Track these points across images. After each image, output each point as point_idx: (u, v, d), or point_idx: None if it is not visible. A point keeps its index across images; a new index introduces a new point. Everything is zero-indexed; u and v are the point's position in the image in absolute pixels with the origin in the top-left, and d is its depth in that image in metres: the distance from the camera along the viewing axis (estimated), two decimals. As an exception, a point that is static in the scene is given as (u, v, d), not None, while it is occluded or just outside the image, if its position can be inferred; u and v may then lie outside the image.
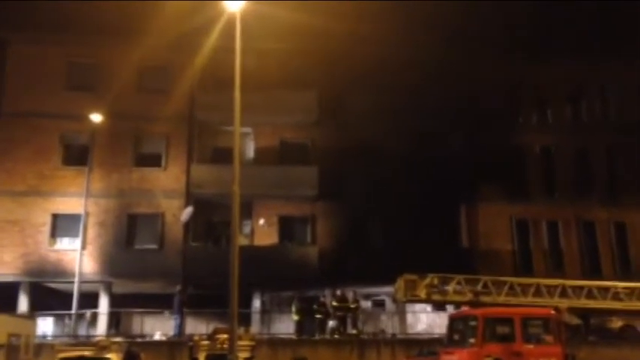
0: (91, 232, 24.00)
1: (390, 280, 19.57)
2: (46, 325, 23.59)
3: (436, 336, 20.17)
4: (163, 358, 18.59)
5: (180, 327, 21.25)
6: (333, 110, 25.69)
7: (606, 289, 17.74)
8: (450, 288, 17.59)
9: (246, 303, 24.11)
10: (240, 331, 15.87)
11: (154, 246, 24.49)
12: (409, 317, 24.75)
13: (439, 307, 22.46)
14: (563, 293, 17.48)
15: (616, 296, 17.62)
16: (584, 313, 19.96)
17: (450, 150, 26.23)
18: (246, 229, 25.34)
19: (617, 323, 21.96)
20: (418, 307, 23.95)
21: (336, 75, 25.79)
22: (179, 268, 23.83)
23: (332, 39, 24.91)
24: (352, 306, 22.00)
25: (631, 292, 17.64)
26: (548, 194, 27.06)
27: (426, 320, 24.64)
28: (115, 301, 24.10)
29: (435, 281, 17.62)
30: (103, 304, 23.84)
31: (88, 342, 17.84)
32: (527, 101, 28.21)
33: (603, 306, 17.77)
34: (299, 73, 25.87)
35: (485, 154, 26.06)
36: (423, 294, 17.70)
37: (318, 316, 21.45)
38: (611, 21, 28.22)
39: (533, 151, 27.62)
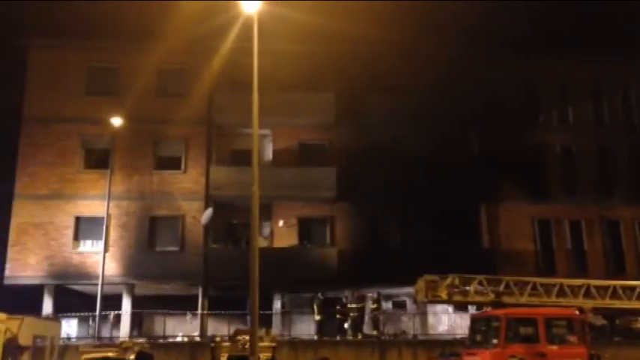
0: (114, 235, 24.22)
1: (410, 281, 19.44)
2: (70, 327, 23.81)
3: (458, 337, 20.03)
4: (185, 359, 18.70)
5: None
6: (350, 111, 25.65)
7: (631, 288, 17.42)
8: (471, 288, 17.39)
9: (266, 304, 24.19)
10: (261, 332, 15.90)
11: (174, 248, 24.65)
12: (430, 318, 24.61)
13: (460, 307, 22.31)
14: (588, 293, 17.21)
15: (641, 296, 17.30)
16: (609, 314, 19.72)
17: (468, 150, 26.06)
18: (266, 231, 25.41)
19: (643, 323, 21.62)
20: (439, 307, 23.80)
21: (353, 76, 25.75)
22: (200, 270, 23.99)
23: (348, 40, 24.88)
24: (373, 306, 21.96)
25: (657, 292, 17.30)
26: (570, 193, 26.73)
27: (447, 321, 24.48)
28: (138, 302, 24.30)
29: (456, 282, 17.44)
30: (126, 305, 24.04)
31: (111, 343, 18.02)
32: (547, 100, 27.91)
33: (628, 306, 17.45)
34: (316, 74, 25.87)
35: (505, 153, 25.85)
36: (444, 295, 17.51)
37: (338, 316, 21.44)
38: (633, 19, 27.84)
39: (554, 150, 27.33)
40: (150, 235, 24.62)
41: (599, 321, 19.35)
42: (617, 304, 17.12)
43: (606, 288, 17.29)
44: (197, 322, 23.56)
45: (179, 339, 21.47)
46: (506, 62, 26.71)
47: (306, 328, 23.14)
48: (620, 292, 17.25)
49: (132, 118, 24.26)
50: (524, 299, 16.97)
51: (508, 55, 26.65)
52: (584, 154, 27.34)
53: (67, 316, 23.25)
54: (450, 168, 24.82)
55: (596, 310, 16.99)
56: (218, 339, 15.44)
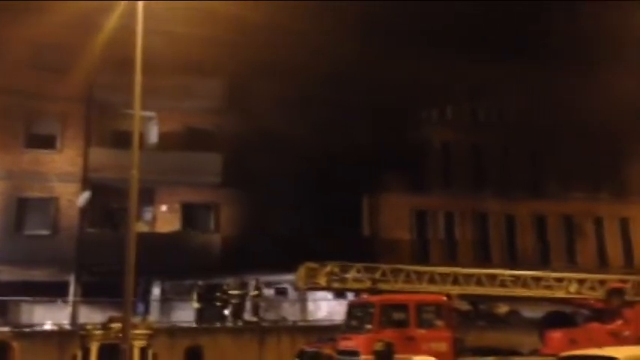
0: (-24, 216, 22.47)
1: (292, 268, 19.70)
2: None
3: (336, 323, 20.58)
4: (53, 348, 17.74)
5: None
6: (240, 97, 25.45)
7: (493, 276, 18.72)
8: (349, 276, 17.91)
9: (145, 291, 23.55)
10: (137, 319, 15.47)
11: (46, 232, 23.30)
12: (310, 305, 25.14)
13: (339, 294, 22.95)
14: (455, 281, 18.28)
15: (502, 283, 18.66)
16: (473, 300, 21.18)
17: (354, 141, 26.77)
18: (148, 216, 24.67)
19: (503, 309, 23.42)
20: (319, 294, 24.32)
21: (245, 62, 25.48)
22: (73, 255, 22.85)
23: (242, 26, 24.58)
24: (254, 293, 22.05)
25: (516, 280, 18.72)
26: (446, 187, 28.32)
27: (326, 308, 25.11)
28: (2, 289, 22.68)
29: (336, 269, 17.88)
30: (-12, 292, 22.39)
31: (-31, 333, 16.73)
32: (429, 97, 29.22)
33: (491, 293, 18.77)
34: (207, 58, 25.38)
35: (389, 146, 26.83)
36: (323, 282, 17.91)
37: (218, 303, 21.33)
38: (507, 20, 29.56)
39: (433, 145, 28.77)
40: (17, 218, 23.05)
41: (465, 306, 20.73)
42: (481, 290, 18.34)
43: (471, 276, 18.47)
44: (69, 310, 22.46)
45: (47, 327, 20.33)
46: (396, 59, 27.59)
47: (186, 315, 22.74)
48: (484, 279, 18.49)
49: (1, 90, 22.51)
50: (398, 286, 17.70)
51: (397, 53, 27.54)
52: (460, 150, 29.06)
53: None
54: (335, 157, 25.36)
55: (462, 297, 18.12)
56: (89, 327, 14.80)
